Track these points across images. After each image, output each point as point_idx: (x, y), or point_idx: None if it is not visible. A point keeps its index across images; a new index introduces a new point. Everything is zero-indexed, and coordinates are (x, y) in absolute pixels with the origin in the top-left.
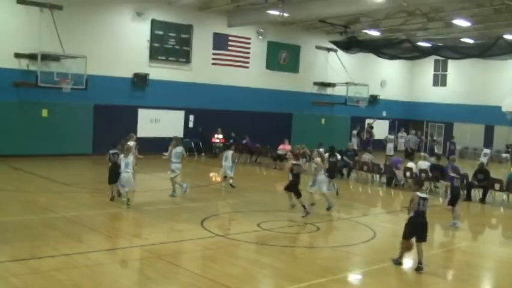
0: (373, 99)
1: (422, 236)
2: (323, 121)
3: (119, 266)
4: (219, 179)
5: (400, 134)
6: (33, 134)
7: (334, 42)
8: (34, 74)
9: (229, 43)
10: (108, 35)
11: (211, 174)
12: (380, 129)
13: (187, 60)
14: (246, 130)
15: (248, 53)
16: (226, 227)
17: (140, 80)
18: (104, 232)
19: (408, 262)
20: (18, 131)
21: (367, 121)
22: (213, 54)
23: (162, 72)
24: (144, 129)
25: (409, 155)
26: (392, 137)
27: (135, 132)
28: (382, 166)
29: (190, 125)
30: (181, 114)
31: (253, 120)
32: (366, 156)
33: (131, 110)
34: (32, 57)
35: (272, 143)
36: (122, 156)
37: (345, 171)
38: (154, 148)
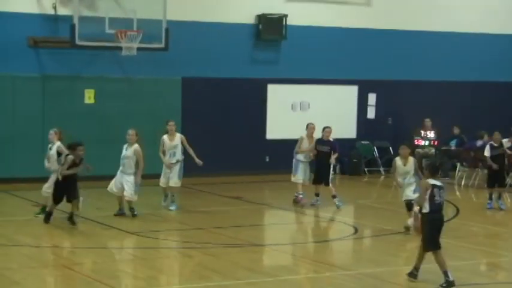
0: None
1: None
2: None
3: None
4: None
5: None
6: (65, 138)
7: None
8: (67, 22)
9: None
10: None
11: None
12: None
13: None
14: (480, 122)
15: None
16: None
17: (270, 29)
18: None
19: None
20: (38, 134)
21: None
22: None
23: (311, 13)
24: (280, 125)
25: None
26: None
27: (264, 131)
28: None
29: (370, 113)
30: (351, 92)
31: (491, 101)
32: None
33: (254, 87)
34: None
35: None
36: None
37: None
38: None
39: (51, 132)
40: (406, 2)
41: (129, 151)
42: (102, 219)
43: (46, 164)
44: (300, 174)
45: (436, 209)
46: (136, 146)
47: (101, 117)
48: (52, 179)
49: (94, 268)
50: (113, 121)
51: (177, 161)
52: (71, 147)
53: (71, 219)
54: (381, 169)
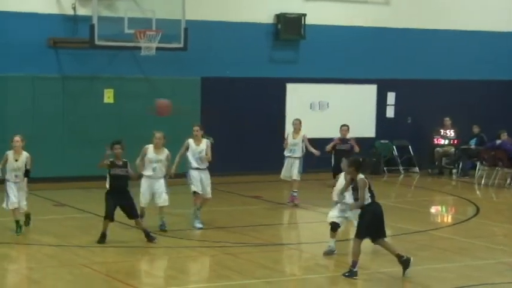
0: None
1: (382, 231)
2: None
3: None
4: None
5: None
6: (85, 138)
7: None
8: (86, 22)
9: None
10: None
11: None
12: None
13: None
14: (501, 121)
15: None
16: None
17: (288, 28)
18: None
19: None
20: (58, 134)
21: None
22: None
23: (330, 12)
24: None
25: None
26: None
27: (283, 130)
28: None
29: (389, 112)
30: (370, 91)
31: None
32: None
33: (273, 86)
34: None
35: None
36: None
37: None
38: (320, 161)
39: (18, 139)
40: (425, 0)
41: (162, 155)
42: (121, 219)
43: (11, 176)
44: (283, 171)
45: (375, 199)
46: (166, 149)
47: (120, 117)
48: (13, 191)
49: (114, 267)
50: (132, 121)
51: (207, 167)
52: (111, 146)
53: (148, 236)
54: (400, 168)
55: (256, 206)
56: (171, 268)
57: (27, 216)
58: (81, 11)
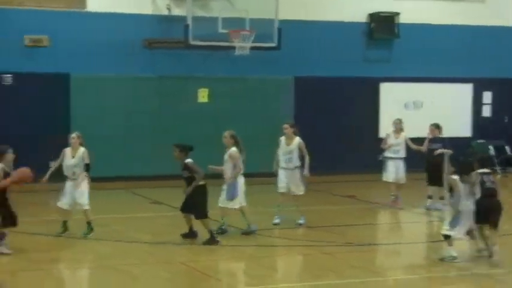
0: None
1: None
2: None
3: None
4: None
5: None
6: (180, 137)
7: None
8: (180, 23)
9: None
10: None
11: None
12: None
13: None
14: None
15: None
16: None
17: (382, 27)
18: None
19: None
20: (154, 133)
21: None
22: None
23: (423, 11)
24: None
25: None
26: None
27: (376, 129)
28: None
29: (486, 111)
30: (466, 90)
31: None
32: None
33: (366, 86)
34: None
35: None
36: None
37: None
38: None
39: (74, 136)
40: None
41: (226, 155)
42: (217, 217)
43: (69, 173)
44: (390, 173)
45: (486, 194)
46: (232, 149)
47: (215, 117)
48: (68, 190)
49: (209, 265)
50: (226, 120)
51: (295, 167)
52: None
53: (191, 233)
54: (497, 168)
55: (350, 205)
56: (265, 267)
57: (88, 224)
58: (176, 11)
